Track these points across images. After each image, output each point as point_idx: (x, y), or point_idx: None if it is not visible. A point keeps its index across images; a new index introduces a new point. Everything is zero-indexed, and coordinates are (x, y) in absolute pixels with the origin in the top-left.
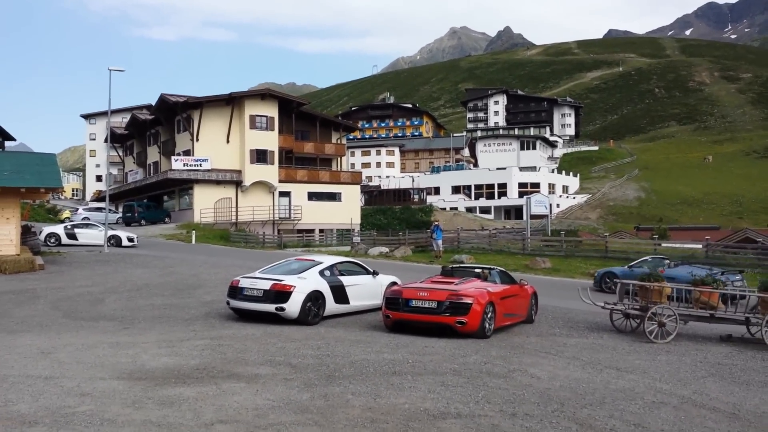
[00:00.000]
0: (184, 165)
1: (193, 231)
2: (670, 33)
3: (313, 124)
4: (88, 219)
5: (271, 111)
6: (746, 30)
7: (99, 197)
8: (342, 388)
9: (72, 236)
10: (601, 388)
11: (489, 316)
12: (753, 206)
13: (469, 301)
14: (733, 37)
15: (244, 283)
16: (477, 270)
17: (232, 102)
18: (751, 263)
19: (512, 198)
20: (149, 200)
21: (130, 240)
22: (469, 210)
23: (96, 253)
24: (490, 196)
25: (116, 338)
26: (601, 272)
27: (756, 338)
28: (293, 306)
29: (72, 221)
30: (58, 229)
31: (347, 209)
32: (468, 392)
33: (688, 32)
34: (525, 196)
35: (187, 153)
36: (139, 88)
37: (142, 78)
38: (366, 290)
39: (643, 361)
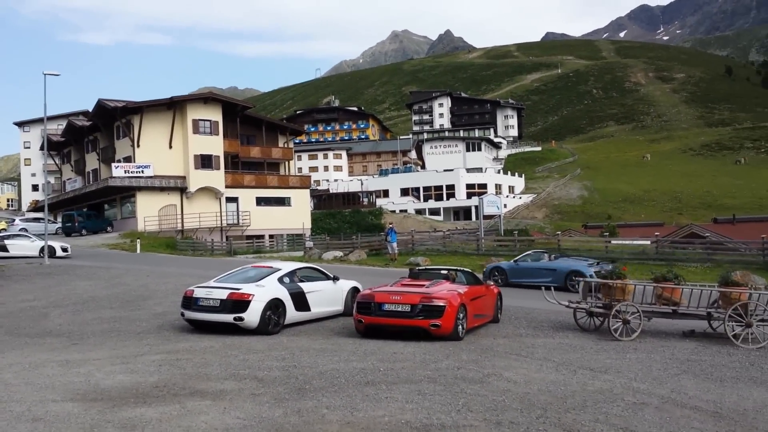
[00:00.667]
0: (125, 172)
1: (138, 240)
2: (605, 35)
3: (258, 128)
4: (26, 230)
5: (215, 115)
6: (678, 31)
7: (36, 207)
8: (315, 401)
9: (2, 248)
10: (580, 391)
11: (461, 318)
12: (692, 202)
13: (442, 303)
14: (665, 38)
15: (198, 293)
16: (444, 272)
17: (174, 106)
18: (701, 258)
19: (460, 199)
20: (90, 209)
21: (64, 250)
22: (419, 212)
23: (36, 265)
24: (439, 198)
25: (65, 355)
26: (490, 266)
27: (718, 333)
28: (252, 315)
29: (8, 232)
30: None
31: (297, 214)
32: (447, 400)
33: (622, 34)
34: (478, 197)
35: (128, 159)
36: (75, 95)
37: (78, 84)
38: (327, 296)
39: (613, 360)
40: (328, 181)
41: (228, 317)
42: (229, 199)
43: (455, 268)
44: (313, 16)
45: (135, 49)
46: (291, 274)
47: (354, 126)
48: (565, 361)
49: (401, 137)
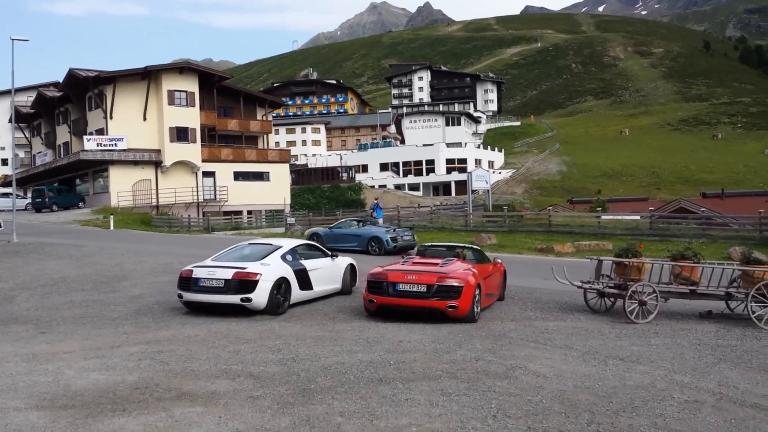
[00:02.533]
0: (97, 145)
1: (111, 216)
2: (584, 9)
3: (236, 100)
4: None
5: (191, 86)
6: (656, 6)
7: (4, 182)
8: (326, 406)
9: None
10: (620, 386)
11: (477, 298)
12: (669, 177)
13: (460, 284)
14: (643, 13)
15: (198, 272)
16: (456, 249)
17: (149, 76)
18: (696, 233)
19: (440, 174)
20: (61, 184)
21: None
22: (398, 187)
23: (3, 243)
24: (418, 173)
25: (32, 347)
26: (310, 233)
27: (736, 314)
28: (260, 296)
29: None
30: None
31: (276, 189)
32: (477, 402)
33: (601, 8)
34: (467, 171)
35: (100, 132)
36: (46, 66)
37: (49, 55)
38: (327, 274)
39: (640, 347)
40: (306, 155)
41: (234, 298)
42: (206, 174)
43: (463, 244)
44: None
45: (108, 20)
46: (293, 251)
47: (332, 100)
48: (590, 349)
49: (380, 111)
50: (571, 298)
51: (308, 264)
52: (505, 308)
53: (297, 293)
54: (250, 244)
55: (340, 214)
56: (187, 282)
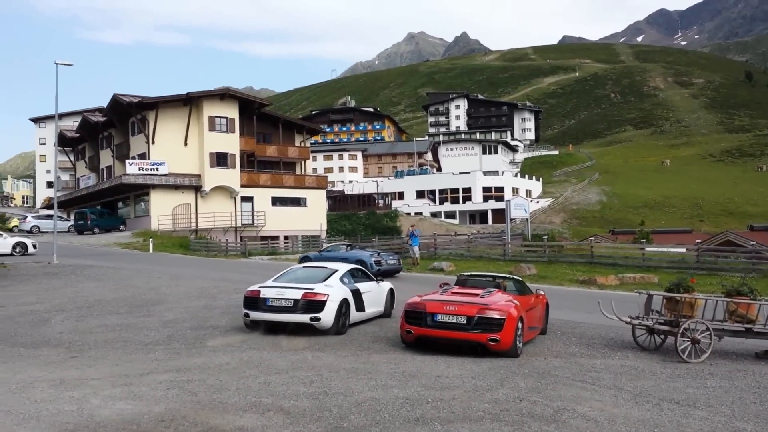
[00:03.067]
0: (139, 169)
1: (151, 239)
2: (622, 39)
3: (275, 126)
4: (38, 227)
5: (231, 112)
6: (696, 37)
7: (49, 204)
8: None
9: None
10: None
11: (520, 331)
12: (712, 209)
13: (502, 315)
14: (683, 43)
15: (267, 293)
16: (496, 279)
17: (190, 102)
18: (746, 268)
19: (477, 202)
20: (103, 207)
21: (35, 246)
22: (434, 215)
23: (44, 264)
24: (455, 201)
25: (60, 372)
26: (301, 257)
27: None
28: (328, 315)
29: (20, 229)
30: None
31: (313, 215)
32: None
33: (639, 38)
34: (506, 199)
35: (142, 156)
36: (92, 92)
37: (95, 82)
38: (375, 297)
39: (695, 390)
40: (342, 182)
41: (303, 317)
42: (244, 199)
43: (503, 275)
44: (328, 17)
45: (152, 49)
46: (348, 274)
47: (369, 127)
48: (642, 391)
49: (417, 139)
50: (618, 333)
51: (361, 287)
52: (548, 343)
53: (354, 314)
54: (304, 267)
55: (376, 241)
56: (255, 302)
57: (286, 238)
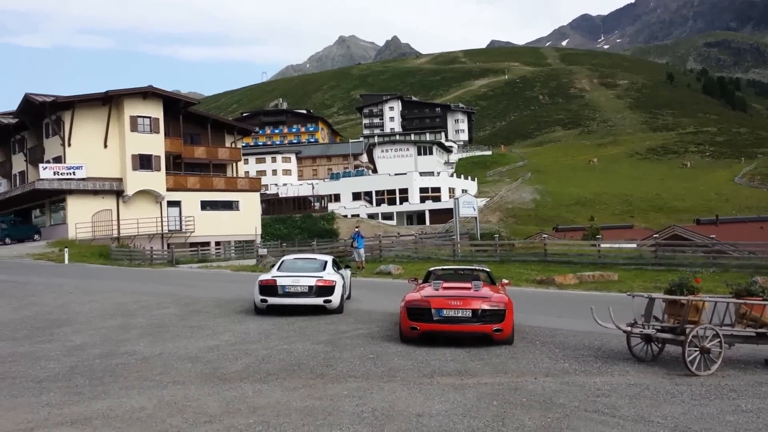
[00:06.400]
0: (54, 174)
1: (66, 249)
2: (548, 43)
3: (203, 126)
4: None
5: (155, 112)
6: (618, 40)
7: None
8: None
9: None
10: None
11: (513, 321)
12: (641, 205)
13: (504, 307)
14: (606, 47)
15: (283, 281)
16: (474, 272)
17: (110, 102)
18: (705, 263)
19: (414, 203)
20: (16, 215)
21: None
22: (371, 216)
23: None
24: (392, 202)
25: None
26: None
27: None
28: (336, 298)
29: None
30: None
31: (247, 219)
32: None
33: (564, 43)
34: (453, 197)
35: (58, 160)
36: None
37: (11, 87)
38: (348, 282)
39: (733, 416)
40: (276, 185)
41: (317, 300)
42: (171, 203)
43: (478, 267)
44: (258, 20)
45: (74, 53)
46: (334, 263)
47: (303, 129)
48: (675, 423)
49: (352, 140)
50: (603, 342)
51: (342, 273)
52: (530, 357)
53: (345, 297)
54: (296, 258)
55: (315, 244)
56: (273, 289)
57: (217, 244)
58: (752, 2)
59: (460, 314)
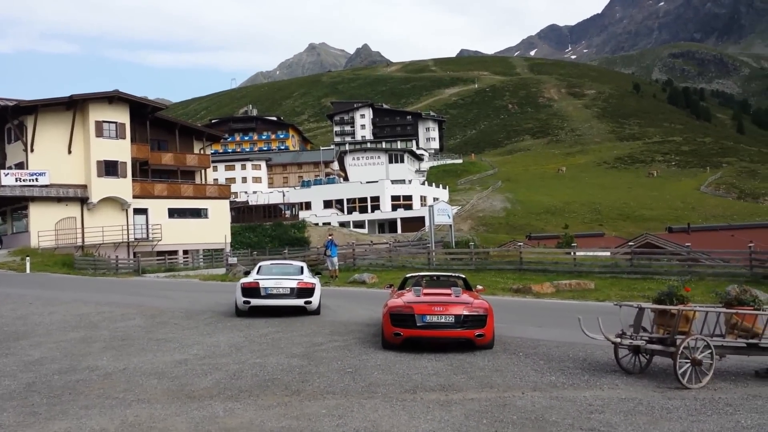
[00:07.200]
0: (16, 180)
1: (28, 257)
2: (516, 53)
3: (171, 132)
4: None
5: (122, 117)
6: (585, 51)
7: None
8: None
9: None
10: None
11: (494, 326)
12: (610, 214)
13: (485, 312)
14: (573, 57)
15: (265, 284)
16: (451, 279)
17: (74, 106)
18: (681, 271)
19: (386, 211)
20: None
21: None
22: (343, 225)
23: None
24: (363, 210)
25: None
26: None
27: None
28: (316, 299)
29: None
30: None
31: (215, 226)
32: None
33: (532, 52)
34: (427, 205)
35: (20, 166)
36: None
37: None
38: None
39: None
40: (246, 192)
41: (299, 301)
42: (138, 211)
43: (454, 274)
44: (228, 27)
45: (38, 58)
46: (307, 268)
47: (273, 136)
48: None
49: (323, 148)
50: (587, 353)
51: (316, 278)
52: (515, 370)
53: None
54: (273, 264)
55: (287, 253)
56: (255, 291)
57: (185, 252)
58: (716, 14)
59: (443, 320)
